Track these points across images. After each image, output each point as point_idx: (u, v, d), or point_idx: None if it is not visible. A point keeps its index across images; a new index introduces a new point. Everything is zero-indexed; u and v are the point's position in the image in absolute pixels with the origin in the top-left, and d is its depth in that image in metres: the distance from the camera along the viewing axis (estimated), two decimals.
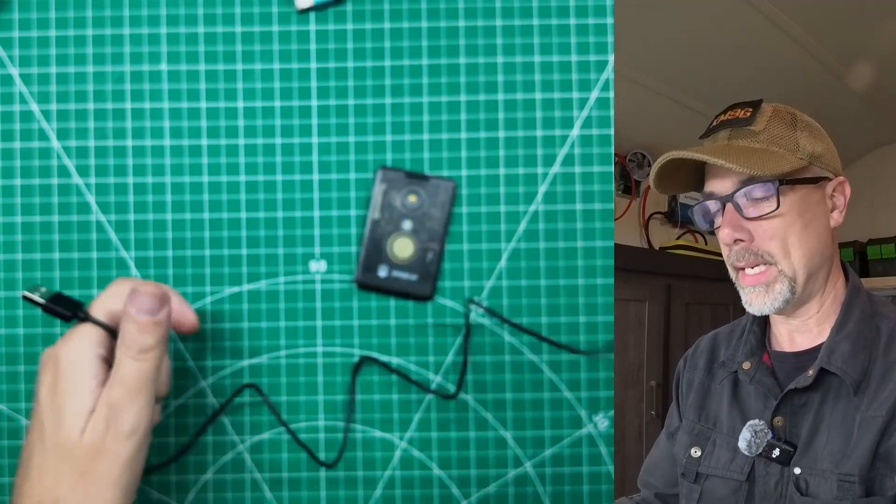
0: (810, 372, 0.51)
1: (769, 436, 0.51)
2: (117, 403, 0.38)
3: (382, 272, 0.51)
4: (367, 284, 0.51)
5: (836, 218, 0.55)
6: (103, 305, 0.41)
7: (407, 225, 0.51)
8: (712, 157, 0.51)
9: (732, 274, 0.55)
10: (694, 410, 0.59)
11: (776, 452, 0.51)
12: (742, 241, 0.52)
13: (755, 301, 0.53)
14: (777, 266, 0.52)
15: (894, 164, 1.48)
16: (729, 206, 0.53)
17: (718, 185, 0.54)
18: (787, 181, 0.51)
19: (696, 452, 0.57)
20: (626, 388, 1.29)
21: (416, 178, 0.51)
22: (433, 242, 0.51)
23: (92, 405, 0.38)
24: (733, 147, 0.53)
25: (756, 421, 0.52)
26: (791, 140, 0.53)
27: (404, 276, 0.51)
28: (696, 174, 0.58)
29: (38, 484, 0.38)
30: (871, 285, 1.35)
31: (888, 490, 0.46)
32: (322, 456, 0.53)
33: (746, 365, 0.56)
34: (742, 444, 0.52)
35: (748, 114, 0.54)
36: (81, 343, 0.40)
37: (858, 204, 1.46)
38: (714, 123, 0.57)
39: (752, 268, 0.53)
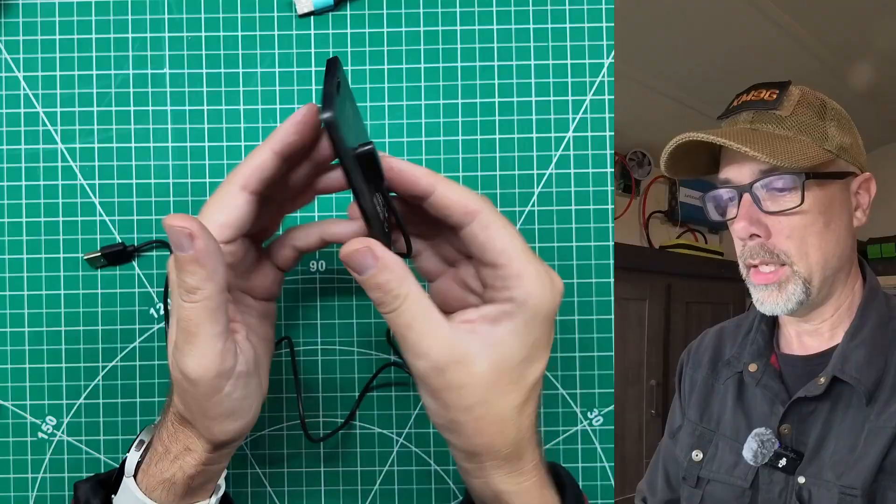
0: (822, 380, 0.48)
1: (776, 445, 0.48)
2: (179, 347, 0.37)
3: None
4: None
5: (860, 217, 0.51)
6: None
7: None
8: (734, 142, 0.46)
9: (743, 270, 0.51)
10: (696, 411, 0.56)
11: (783, 462, 0.48)
12: (758, 236, 0.48)
13: (767, 300, 0.49)
14: (792, 266, 0.48)
15: (894, 163, 1.48)
16: (746, 197, 0.48)
17: (735, 173, 0.49)
18: (813, 175, 0.47)
19: (697, 456, 0.54)
20: (626, 386, 1.29)
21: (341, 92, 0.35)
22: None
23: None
24: (757, 132, 0.48)
25: (762, 430, 0.49)
26: (819, 129, 0.48)
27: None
28: (710, 158, 0.53)
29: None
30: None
31: (890, 503, 0.44)
32: (321, 452, 0.54)
33: (753, 367, 0.52)
34: (748, 455, 0.49)
35: (774, 96, 0.49)
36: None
37: None
38: (735, 104, 0.52)
39: (766, 266, 0.49)
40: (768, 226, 0.48)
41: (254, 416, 0.41)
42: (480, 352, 0.36)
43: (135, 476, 0.42)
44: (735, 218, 0.50)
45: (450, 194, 0.37)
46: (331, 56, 0.37)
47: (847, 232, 0.50)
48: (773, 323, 0.55)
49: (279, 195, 0.40)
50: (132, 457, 0.43)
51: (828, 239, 0.48)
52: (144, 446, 0.43)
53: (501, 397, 0.36)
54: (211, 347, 0.36)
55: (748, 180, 0.48)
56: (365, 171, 0.35)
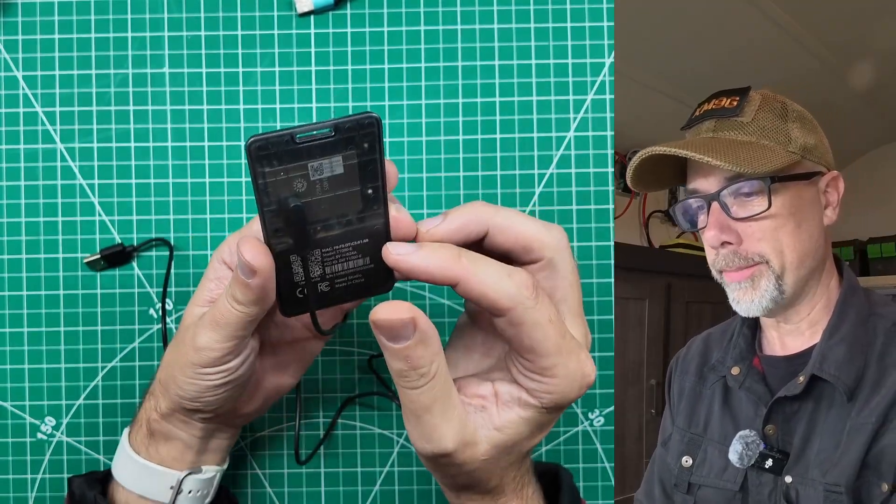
0: (801, 379, 0.48)
1: (761, 447, 0.49)
2: (201, 324, 0.37)
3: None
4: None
5: (830, 215, 0.51)
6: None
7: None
8: (696, 153, 0.46)
9: (716, 275, 0.52)
10: (685, 417, 0.57)
11: (769, 463, 0.48)
12: (730, 243, 0.49)
13: (743, 299, 0.49)
14: (767, 263, 0.49)
15: (894, 162, 1.48)
16: (715, 205, 0.49)
17: (703, 182, 0.50)
18: (778, 178, 0.47)
19: (687, 462, 0.54)
20: (626, 386, 1.29)
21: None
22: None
23: (203, 300, 0.39)
24: (719, 140, 0.49)
25: (747, 432, 0.50)
26: (782, 132, 0.49)
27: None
28: (678, 169, 0.53)
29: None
30: (870, 284, 1.34)
31: (875, 499, 0.44)
32: (321, 453, 0.54)
33: (735, 370, 0.53)
34: (734, 457, 0.49)
35: (735, 103, 0.50)
36: (219, 246, 0.40)
37: (858, 202, 1.47)
38: (697, 113, 0.52)
39: (739, 270, 0.50)
40: (738, 232, 0.49)
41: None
42: (486, 434, 0.34)
43: None
44: (706, 227, 0.50)
45: (475, 289, 0.32)
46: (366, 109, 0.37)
47: (819, 230, 0.50)
48: (755, 326, 0.55)
49: None
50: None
51: (802, 238, 0.49)
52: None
53: (493, 465, 0.35)
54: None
55: (715, 188, 0.49)
56: (290, 226, 0.33)
